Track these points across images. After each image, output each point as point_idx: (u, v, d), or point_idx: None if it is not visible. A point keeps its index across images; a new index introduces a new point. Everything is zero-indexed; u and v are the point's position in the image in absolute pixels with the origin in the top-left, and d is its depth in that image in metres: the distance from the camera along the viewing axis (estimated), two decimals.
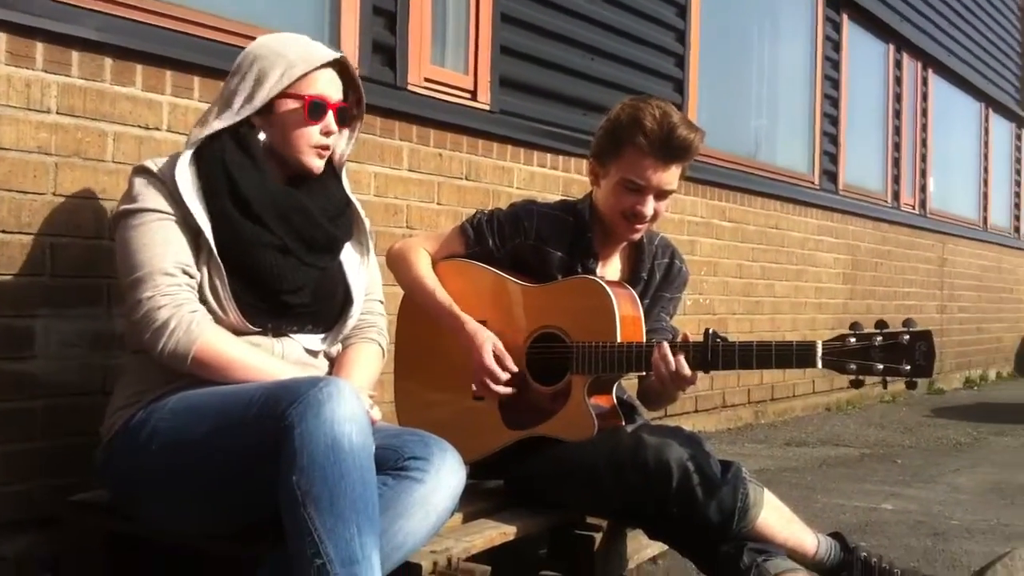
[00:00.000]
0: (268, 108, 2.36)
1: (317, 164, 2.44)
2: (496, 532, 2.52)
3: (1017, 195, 12.13)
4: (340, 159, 2.57)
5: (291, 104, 2.37)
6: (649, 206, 2.76)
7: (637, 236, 2.86)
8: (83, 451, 2.57)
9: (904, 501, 4.14)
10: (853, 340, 2.38)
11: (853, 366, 2.37)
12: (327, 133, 2.42)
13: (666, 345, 2.55)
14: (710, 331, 2.55)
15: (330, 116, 2.41)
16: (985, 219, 11.02)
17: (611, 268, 2.93)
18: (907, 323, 2.36)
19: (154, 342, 2.21)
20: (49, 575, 2.55)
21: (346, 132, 2.55)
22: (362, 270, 2.59)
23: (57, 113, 2.74)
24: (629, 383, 3.10)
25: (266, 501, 2.02)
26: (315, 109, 2.38)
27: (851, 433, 6.29)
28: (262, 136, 2.38)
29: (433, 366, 2.92)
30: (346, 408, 2.00)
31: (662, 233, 3.07)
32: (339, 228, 2.50)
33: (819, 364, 2.41)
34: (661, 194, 2.77)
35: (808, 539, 2.60)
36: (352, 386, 2.09)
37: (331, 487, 1.94)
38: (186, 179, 2.29)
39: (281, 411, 2.00)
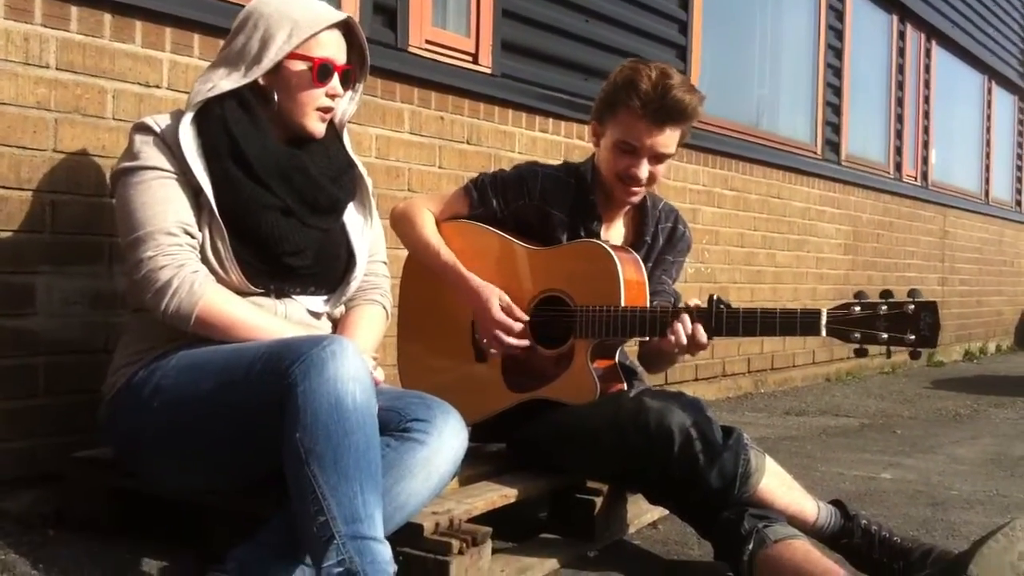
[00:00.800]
0: (274, 69, 2.34)
1: (319, 128, 2.41)
2: (497, 495, 2.53)
3: (1019, 168, 12.09)
4: (342, 120, 2.55)
5: (299, 66, 2.34)
6: (643, 169, 2.73)
7: (634, 199, 2.83)
8: (86, 408, 2.58)
9: (903, 471, 4.14)
10: (858, 309, 2.37)
11: (857, 335, 2.36)
12: (332, 96, 2.40)
13: (685, 316, 2.53)
14: (714, 297, 2.54)
15: (336, 79, 2.39)
16: (987, 192, 10.99)
17: (615, 231, 2.92)
18: (912, 293, 2.35)
19: (156, 303, 2.20)
20: (52, 531, 2.55)
21: (348, 93, 2.52)
22: (366, 232, 2.58)
23: (56, 69, 2.71)
24: (631, 349, 3.09)
25: (269, 458, 2.02)
26: (323, 72, 2.35)
27: (851, 403, 6.29)
28: (275, 96, 2.36)
29: (436, 329, 2.91)
30: (350, 367, 1.99)
31: (666, 199, 3.06)
32: (341, 189, 2.48)
33: (823, 332, 2.40)
34: (656, 157, 2.74)
35: (808, 506, 2.60)
36: (356, 345, 2.08)
37: (334, 445, 1.94)
38: (188, 138, 2.27)
39: (284, 369, 2.00)
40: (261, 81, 2.34)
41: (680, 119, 2.71)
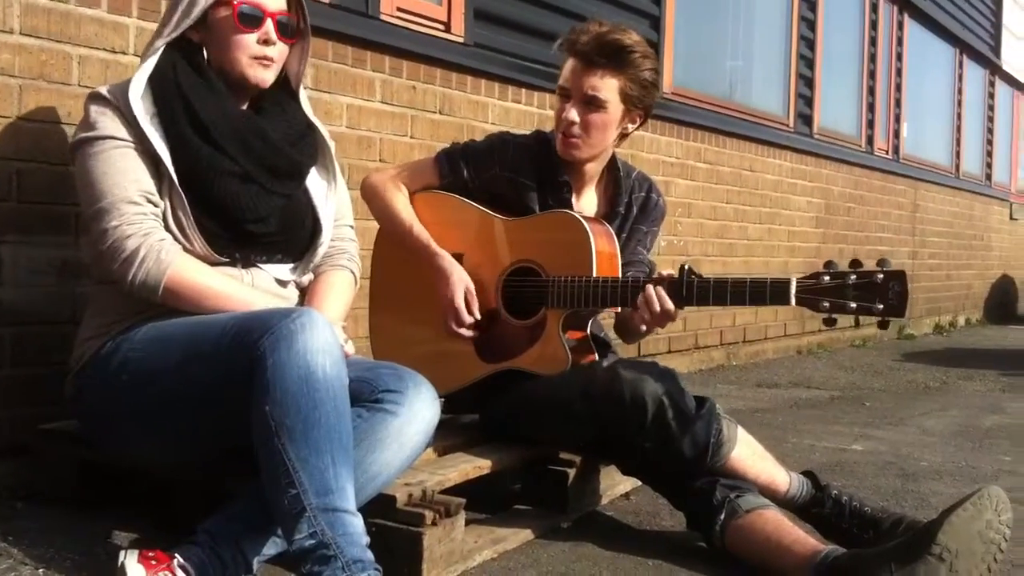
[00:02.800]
0: (204, 21, 2.30)
1: (262, 76, 2.35)
2: (470, 466, 2.52)
3: (989, 142, 12.17)
4: (296, 79, 2.50)
5: (222, 12, 2.29)
6: (572, 112, 2.70)
7: (574, 152, 2.76)
8: (53, 380, 2.54)
9: (874, 443, 4.17)
10: (827, 278, 2.36)
11: (826, 304, 2.36)
12: (266, 42, 2.33)
13: (651, 287, 2.52)
14: (685, 267, 2.53)
15: (269, 25, 2.32)
16: (957, 166, 11.05)
17: (587, 201, 2.90)
18: (881, 263, 2.34)
19: (123, 273, 2.17)
20: (21, 504, 2.53)
21: (297, 49, 2.47)
22: (330, 196, 2.54)
23: (20, 34, 2.66)
24: (606, 323, 3.08)
25: (238, 431, 2.00)
26: (245, 15, 2.30)
27: (822, 376, 6.33)
28: (205, 54, 2.32)
29: (408, 300, 2.89)
30: (319, 339, 1.97)
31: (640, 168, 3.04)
32: (302, 153, 2.44)
33: (792, 301, 2.39)
34: (588, 101, 2.70)
35: (780, 476, 2.61)
36: (325, 317, 2.06)
37: (304, 418, 1.92)
38: (140, 107, 2.23)
39: (253, 341, 1.97)
40: (194, 38, 2.31)
41: (613, 63, 2.67)
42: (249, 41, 2.31)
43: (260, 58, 2.33)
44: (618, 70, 2.69)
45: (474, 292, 2.73)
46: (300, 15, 2.43)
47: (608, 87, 2.69)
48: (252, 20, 2.31)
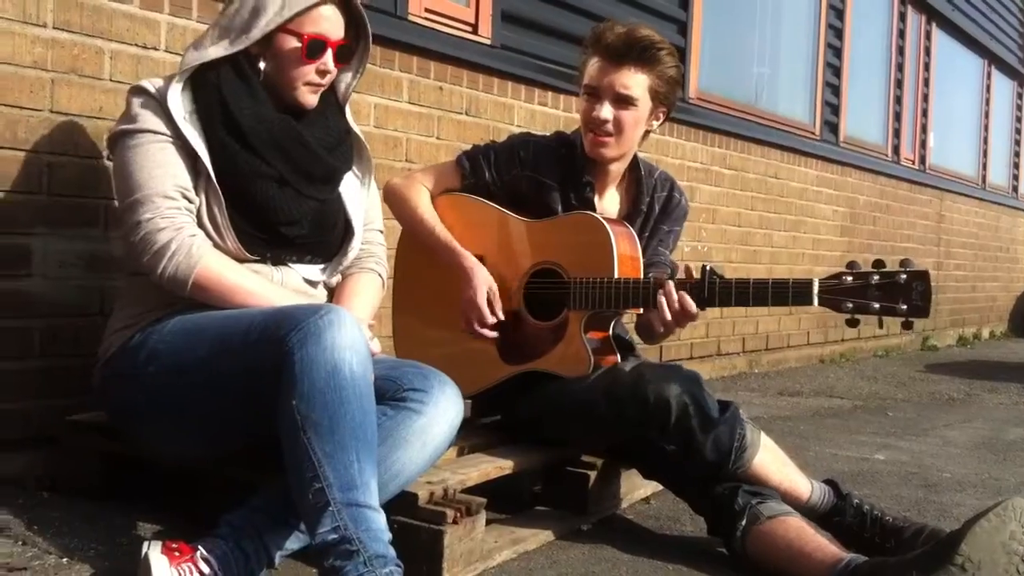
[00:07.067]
0: (266, 39, 2.31)
1: (311, 100, 2.38)
2: (492, 466, 2.53)
3: (1016, 154, 12.08)
4: (345, 92, 2.52)
5: (290, 41, 2.31)
6: (605, 110, 2.71)
7: (605, 151, 2.77)
8: (81, 372, 2.56)
9: (896, 453, 4.15)
10: (850, 278, 2.35)
11: (849, 304, 2.35)
12: (322, 72, 2.36)
13: (671, 283, 2.53)
14: (707, 267, 2.53)
15: (328, 55, 2.35)
16: (984, 177, 10.98)
17: (609, 201, 2.91)
18: (904, 263, 2.33)
19: (154, 265, 2.18)
20: (47, 494, 2.55)
21: (353, 67, 2.50)
22: (362, 200, 2.56)
23: (54, 28, 2.68)
24: (629, 325, 3.08)
25: (264, 425, 2.01)
26: (313, 48, 2.32)
27: (844, 385, 6.30)
28: (262, 65, 2.33)
29: (432, 301, 2.90)
30: (347, 336, 1.98)
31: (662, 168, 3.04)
32: (338, 159, 2.46)
33: (815, 301, 2.38)
34: (619, 99, 2.71)
35: (802, 483, 2.61)
36: (353, 315, 2.07)
37: (331, 414, 1.93)
38: (179, 105, 2.24)
39: (281, 336, 1.98)
40: (251, 50, 2.31)
41: (640, 59, 2.69)
42: (309, 70, 2.34)
43: (313, 84, 2.36)
44: (647, 67, 2.70)
45: (497, 293, 2.74)
46: (363, 39, 2.46)
47: (638, 84, 2.71)
48: (317, 52, 2.33)
